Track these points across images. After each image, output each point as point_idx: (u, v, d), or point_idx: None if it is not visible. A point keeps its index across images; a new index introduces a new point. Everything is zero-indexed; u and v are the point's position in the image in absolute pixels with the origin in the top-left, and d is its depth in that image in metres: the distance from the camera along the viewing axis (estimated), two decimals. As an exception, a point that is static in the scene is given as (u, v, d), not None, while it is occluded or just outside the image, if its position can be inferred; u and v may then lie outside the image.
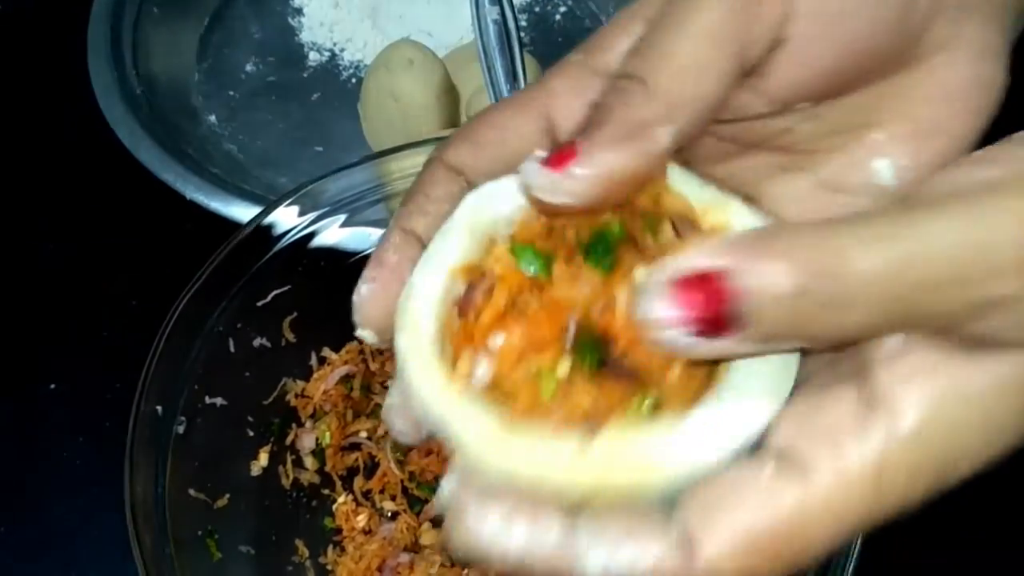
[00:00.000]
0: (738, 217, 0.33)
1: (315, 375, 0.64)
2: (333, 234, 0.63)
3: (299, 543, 0.62)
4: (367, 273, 0.34)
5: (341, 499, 0.64)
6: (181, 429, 0.56)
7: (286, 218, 0.60)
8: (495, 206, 0.33)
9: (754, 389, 0.30)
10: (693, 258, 0.27)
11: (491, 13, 0.59)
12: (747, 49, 0.32)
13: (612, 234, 0.32)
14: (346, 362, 0.65)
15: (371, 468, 0.65)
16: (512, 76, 0.60)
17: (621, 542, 0.28)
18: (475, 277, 0.33)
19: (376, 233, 0.64)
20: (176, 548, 0.53)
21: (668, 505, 0.29)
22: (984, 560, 0.66)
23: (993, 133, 0.33)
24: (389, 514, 0.64)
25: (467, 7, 0.62)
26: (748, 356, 0.29)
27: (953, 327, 0.27)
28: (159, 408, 0.55)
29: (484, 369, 0.31)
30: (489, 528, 0.29)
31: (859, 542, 0.48)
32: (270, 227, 0.60)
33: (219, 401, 0.59)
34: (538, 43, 0.91)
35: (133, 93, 0.81)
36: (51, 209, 0.81)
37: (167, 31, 0.89)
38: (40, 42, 0.89)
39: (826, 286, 0.26)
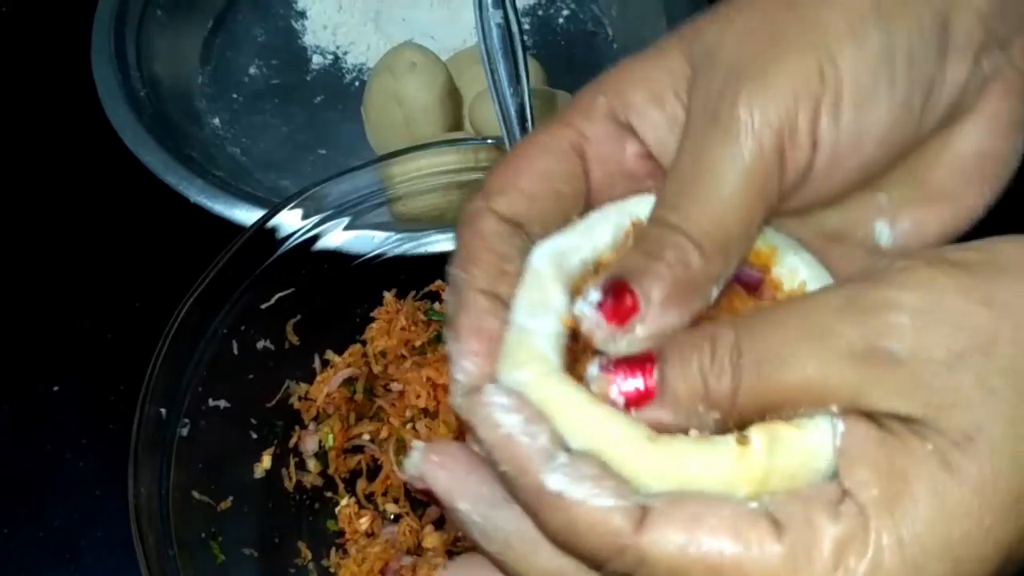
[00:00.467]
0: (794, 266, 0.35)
1: (318, 378, 0.64)
2: (337, 237, 0.63)
3: (302, 545, 0.62)
4: (466, 347, 0.33)
5: (344, 502, 0.64)
6: (185, 431, 0.56)
7: (290, 221, 0.61)
8: (572, 257, 0.34)
9: None
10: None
11: (494, 17, 0.59)
12: (782, 193, 0.33)
13: None
14: (349, 365, 0.65)
15: (374, 471, 0.65)
16: (515, 79, 0.60)
17: (591, 478, 0.29)
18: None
19: (380, 236, 0.64)
20: (179, 550, 0.53)
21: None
22: None
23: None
24: (392, 517, 0.64)
25: (470, 10, 0.62)
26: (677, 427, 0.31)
27: (857, 397, 0.29)
28: (163, 410, 0.55)
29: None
30: (496, 401, 0.31)
31: None
32: (274, 230, 0.60)
33: (222, 403, 0.59)
34: (541, 46, 0.92)
35: (137, 96, 0.81)
36: (55, 212, 0.81)
37: (171, 34, 0.89)
38: (44, 45, 0.89)
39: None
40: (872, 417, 0.29)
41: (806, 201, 0.34)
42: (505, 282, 0.33)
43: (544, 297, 0.33)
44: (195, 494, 0.56)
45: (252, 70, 0.90)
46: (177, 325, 0.56)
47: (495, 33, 0.59)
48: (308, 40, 0.92)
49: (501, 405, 0.31)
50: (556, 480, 0.29)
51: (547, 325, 0.32)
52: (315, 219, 0.61)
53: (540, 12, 0.94)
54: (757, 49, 0.33)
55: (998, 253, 0.30)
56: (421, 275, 0.66)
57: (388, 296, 0.66)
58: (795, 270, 0.34)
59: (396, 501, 0.64)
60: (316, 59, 0.91)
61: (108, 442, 0.69)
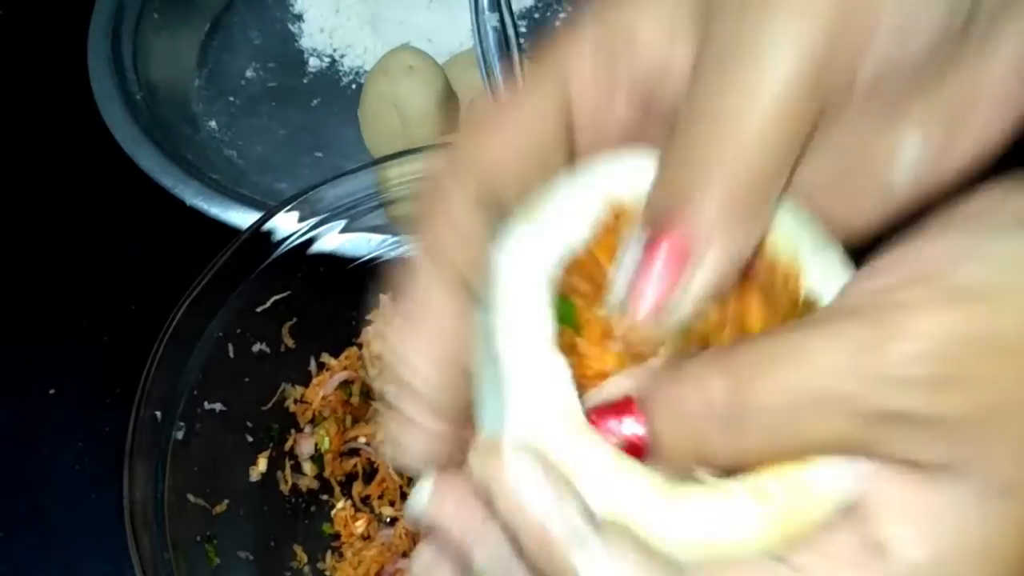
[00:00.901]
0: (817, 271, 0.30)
1: (314, 381, 0.64)
2: (332, 240, 0.63)
3: (298, 549, 0.62)
4: (418, 343, 0.28)
5: (340, 504, 0.64)
6: (180, 435, 0.56)
7: (286, 224, 0.61)
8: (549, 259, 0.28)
9: None
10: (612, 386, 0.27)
11: (491, 20, 0.60)
12: (832, 92, 0.27)
13: None
14: (345, 368, 0.65)
15: (370, 474, 0.65)
16: (511, 83, 0.60)
17: (633, 564, 0.26)
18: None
19: (376, 239, 0.64)
20: (175, 554, 0.53)
21: None
22: None
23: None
24: (388, 520, 0.64)
25: (467, 13, 0.62)
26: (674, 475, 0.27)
27: (870, 448, 0.25)
28: (158, 414, 0.55)
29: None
30: (522, 470, 0.26)
31: None
32: (270, 233, 0.60)
33: (218, 407, 0.59)
34: (537, 49, 0.91)
35: (133, 99, 0.81)
36: (51, 214, 0.81)
37: (167, 37, 0.89)
38: (40, 47, 0.89)
39: (724, 410, 0.25)
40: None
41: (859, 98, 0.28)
42: (474, 266, 0.28)
43: (535, 321, 0.27)
44: (190, 497, 0.56)
45: (249, 73, 0.90)
46: (172, 328, 0.56)
47: (491, 36, 0.59)
48: (305, 43, 0.92)
49: (528, 478, 0.26)
50: (594, 571, 0.25)
51: (550, 355, 0.27)
52: (311, 222, 0.61)
53: (536, 15, 0.94)
54: None
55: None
56: (417, 278, 0.66)
57: (384, 299, 0.66)
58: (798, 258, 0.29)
59: (392, 504, 0.64)
60: (313, 62, 0.91)
61: (105, 445, 0.69)
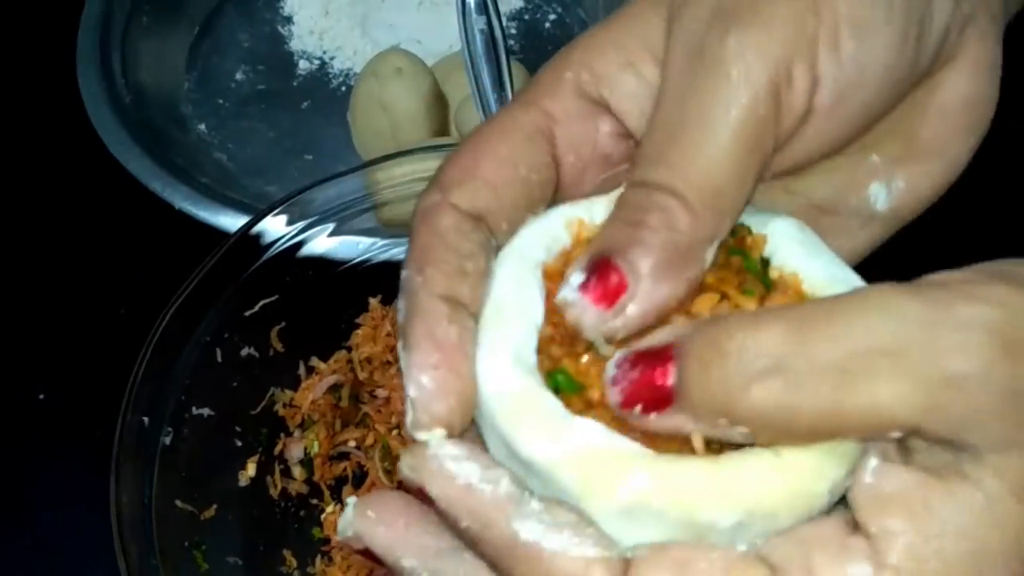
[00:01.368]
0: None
1: (303, 385, 0.64)
2: (322, 243, 0.63)
3: (287, 553, 0.61)
4: (422, 359, 0.29)
5: (329, 509, 0.63)
6: (168, 440, 0.56)
7: (275, 227, 0.60)
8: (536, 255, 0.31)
9: None
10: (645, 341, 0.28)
11: (478, 22, 0.60)
12: (777, 141, 0.30)
13: None
14: (334, 371, 0.65)
15: (360, 478, 0.65)
16: (499, 85, 0.60)
17: (569, 526, 0.27)
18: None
19: (365, 242, 0.64)
20: (163, 559, 0.52)
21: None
22: None
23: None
24: (378, 524, 0.63)
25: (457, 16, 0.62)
26: (702, 433, 0.28)
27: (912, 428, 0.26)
28: (145, 419, 0.55)
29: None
30: (445, 452, 0.28)
31: None
32: (258, 236, 0.60)
33: (206, 411, 0.59)
34: (528, 50, 0.91)
35: (122, 102, 0.81)
36: (38, 218, 0.81)
37: (156, 40, 0.88)
38: (28, 50, 0.89)
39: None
40: (908, 453, 0.27)
41: (805, 152, 0.31)
42: (466, 283, 0.29)
43: (521, 296, 0.30)
44: (178, 503, 0.56)
45: (238, 76, 0.90)
46: (160, 332, 0.56)
47: (479, 39, 0.59)
48: (294, 45, 0.92)
49: (452, 456, 0.28)
50: (531, 529, 0.27)
51: (523, 324, 0.29)
52: (300, 225, 0.61)
53: (527, 16, 0.94)
54: None
55: None
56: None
57: (374, 302, 0.66)
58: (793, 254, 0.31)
59: (382, 508, 0.64)
60: (302, 64, 0.91)
61: (92, 450, 0.69)
